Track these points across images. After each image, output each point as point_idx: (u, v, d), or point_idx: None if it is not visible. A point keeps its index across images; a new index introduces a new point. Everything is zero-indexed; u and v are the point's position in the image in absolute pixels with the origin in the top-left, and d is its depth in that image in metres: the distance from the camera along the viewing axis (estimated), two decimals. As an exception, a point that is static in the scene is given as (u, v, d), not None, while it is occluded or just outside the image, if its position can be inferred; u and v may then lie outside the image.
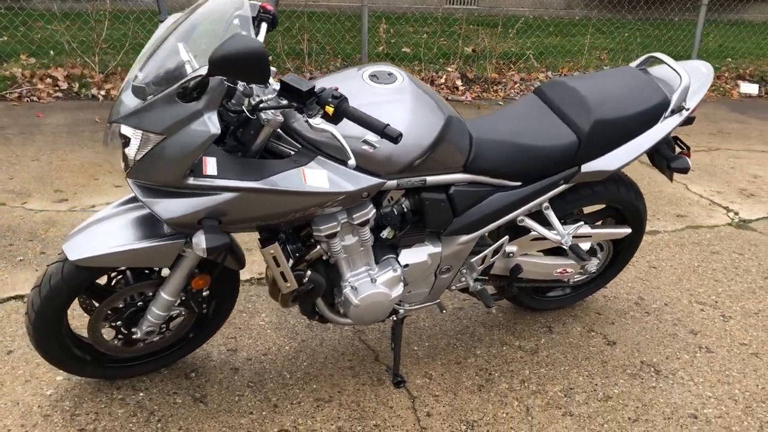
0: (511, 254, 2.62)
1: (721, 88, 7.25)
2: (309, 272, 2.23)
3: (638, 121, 2.47)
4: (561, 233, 2.54)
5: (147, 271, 2.26)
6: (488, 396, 2.51)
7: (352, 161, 1.81)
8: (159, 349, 2.45)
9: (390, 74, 2.17)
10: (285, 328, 2.84)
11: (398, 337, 2.55)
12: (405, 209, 2.26)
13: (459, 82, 6.42)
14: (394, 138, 1.77)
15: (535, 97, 2.61)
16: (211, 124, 1.80)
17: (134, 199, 2.17)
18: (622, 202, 2.75)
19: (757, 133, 6.08)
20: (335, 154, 2.01)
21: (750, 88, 7.14)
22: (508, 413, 2.44)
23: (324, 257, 2.28)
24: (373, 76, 2.14)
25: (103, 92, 5.76)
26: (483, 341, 2.84)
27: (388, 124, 1.78)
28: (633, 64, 2.76)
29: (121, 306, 2.25)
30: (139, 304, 2.26)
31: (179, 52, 1.88)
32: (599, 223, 2.85)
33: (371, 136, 2.02)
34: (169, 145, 1.81)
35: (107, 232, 2.08)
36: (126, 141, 1.90)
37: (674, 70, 2.56)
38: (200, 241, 1.86)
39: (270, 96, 1.82)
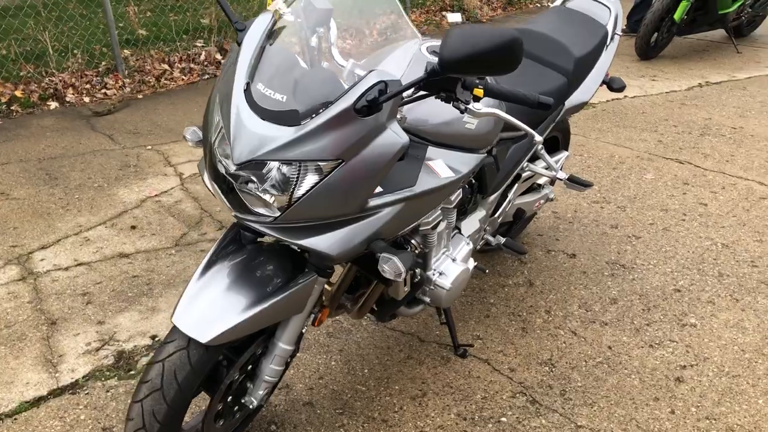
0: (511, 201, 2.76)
1: (432, 20, 7.98)
2: (418, 270, 2.11)
3: (596, 53, 2.75)
4: (555, 168, 2.74)
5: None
6: (537, 334, 2.67)
7: (538, 137, 1.75)
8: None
9: None
10: (310, 346, 2.61)
11: (448, 310, 2.54)
12: (472, 179, 2.24)
13: (219, 56, 6.08)
14: (549, 106, 1.76)
15: None
16: (399, 134, 1.59)
17: (217, 256, 1.80)
18: (563, 130, 3.04)
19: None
20: (437, 140, 1.91)
21: (454, 17, 7.99)
22: (564, 342, 2.63)
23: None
24: (433, 52, 2.04)
25: None
26: (485, 291, 2.95)
27: (538, 95, 1.76)
28: (556, 3, 3.02)
29: (235, 378, 1.88)
30: (249, 368, 1.91)
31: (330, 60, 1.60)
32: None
33: (467, 116, 1.96)
34: (350, 170, 1.55)
35: (221, 300, 1.70)
36: (241, 181, 1.58)
37: (600, 3, 2.88)
38: (395, 265, 1.65)
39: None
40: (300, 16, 1.77)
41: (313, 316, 2.02)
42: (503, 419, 2.27)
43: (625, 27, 6.82)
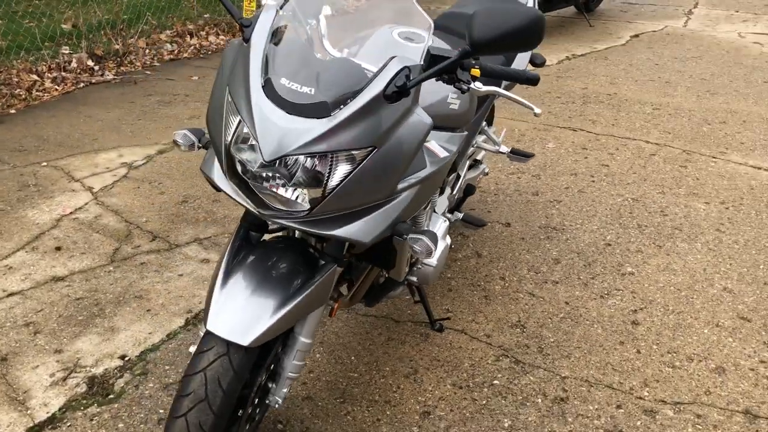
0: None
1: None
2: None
3: None
4: (498, 142, 2.89)
5: None
6: (500, 300, 2.82)
7: (537, 110, 1.85)
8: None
9: (416, 34, 2.15)
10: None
11: (421, 288, 2.62)
12: None
13: (91, 62, 5.72)
14: (537, 80, 1.88)
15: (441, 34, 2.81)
16: (423, 116, 1.63)
17: (233, 262, 1.76)
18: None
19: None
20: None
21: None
22: (526, 304, 2.80)
23: None
24: (406, 38, 2.10)
25: None
26: (440, 266, 3.06)
27: (525, 70, 1.87)
28: None
29: (263, 379, 1.85)
30: (271, 367, 1.89)
31: (352, 47, 1.60)
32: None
33: (452, 96, 2.05)
34: (382, 156, 1.58)
35: (252, 303, 1.66)
36: (267, 179, 1.57)
37: None
38: (426, 244, 1.70)
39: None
40: (297, 9, 1.76)
41: (329, 307, 2.02)
42: (495, 382, 2.39)
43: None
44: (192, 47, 6.48)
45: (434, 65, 1.63)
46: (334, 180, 1.56)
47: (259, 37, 1.63)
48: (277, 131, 1.53)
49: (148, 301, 2.80)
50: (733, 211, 3.51)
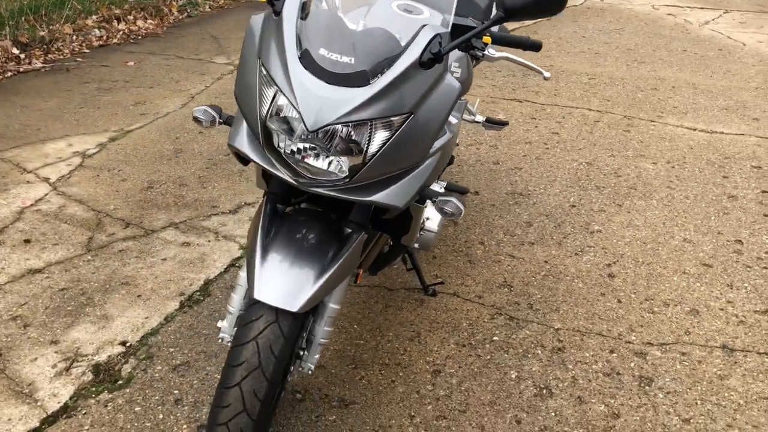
0: None
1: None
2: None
3: None
4: (473, 112, 3.00)
5: None
6: (483, 263, 2.95)
7: (546, 74, 1.95)
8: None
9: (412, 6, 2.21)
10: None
11: (413, 255, 2.71)
12: None
13: (16, 50, 5.44)
14: (539, 46, 1.99)
15: None
16: (453, 81, 1.71)
17: (267, 236, 1.78)
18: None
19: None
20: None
21: None
22: (509, 265, 2.94)
23: None
24: (405, 10, 2.16)
25: None
26: (420, 235, 3.16)
27: (528, 37, 1.98)
28: None
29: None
30: (304, 334, 1.93)
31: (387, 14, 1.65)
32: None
33: (455, 65, 2.13)
34: (418, 121, 1.65)
35: (294, 272, 1.70)
36: (309, 149, 1.62)
37: None
38: (455, 204, 1.78)
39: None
40: None
41: (354, 274, 2.08)
42: (495, 338, 2.52)
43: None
44: (121, 32, 6.27)
45: (456, 33, 1.70)
46: (374, 147, 1.62)
47: (291, 10, 1.66)
48: (319, 101, 1.57)
49: (136, 287, 2.76)
50: (678, 169, 3.77)
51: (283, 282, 1.68)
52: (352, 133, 1.60)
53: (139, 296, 2.71)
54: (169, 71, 5.26)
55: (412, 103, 1.62)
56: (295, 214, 1.88)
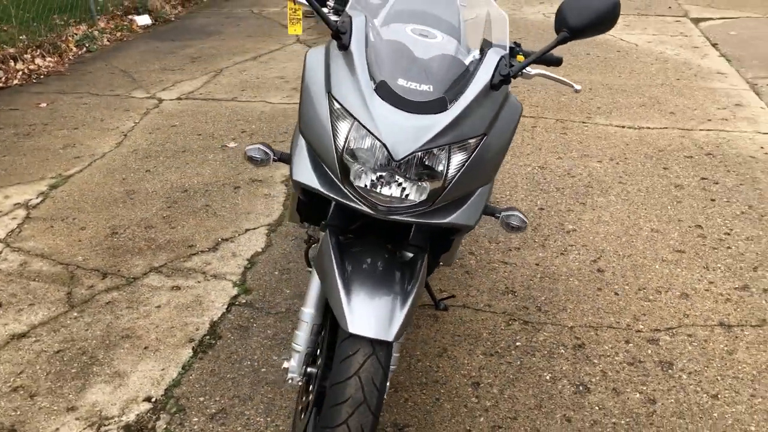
0: None
1: (122, 25, 7.48)
2: None
3: None
4: None
5: None
6: (481, 273, 3.03)
7: (578, 87, 2.04)
8: None
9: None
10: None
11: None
12: None
13: None
14: (560, 62, 2.10)
15: None
16: (516, 100, 1.76)
17: (343, 270, 1.76)
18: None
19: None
20: None
21: (143, 20, 7.62)
22: (505, 271, 3.04)
23: None
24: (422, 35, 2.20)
25: None
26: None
27: (551, 53, 2.06)
28: None
29: None
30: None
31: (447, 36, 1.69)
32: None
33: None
34: (490, 141, 1.70)
35: (378, 302, 1.69)
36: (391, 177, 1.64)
37: None
38: (520, 217, 1.84)
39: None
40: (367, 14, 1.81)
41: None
42: (518, 344, 2.60)
43: None
44: (21, 72, 5.88)
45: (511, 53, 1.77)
46: (452, 170, 1.65)
47: (359, 42, 1.67)
48: (402, 131, 1.58)
49: (139, 339, 2.62)
50: (623, 165, 4.04)
51: (374, 313, 1.67)
52: (431, 158, 1.62)
53: (146, 348, 2.57)
54: (89, 110, 5.00)
55: (485, 125, 1.67)
56: (353, 243, 1.88)
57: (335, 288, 1.71)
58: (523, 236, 3.30)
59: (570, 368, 2.47)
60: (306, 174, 1.77)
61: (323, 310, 1.91)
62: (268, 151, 1.87)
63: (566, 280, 2.97)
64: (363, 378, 1.64)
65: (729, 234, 3.29)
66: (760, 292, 2.87)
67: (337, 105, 1.65)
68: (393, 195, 1.65)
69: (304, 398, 1.97)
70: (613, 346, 2.58)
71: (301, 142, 1.81)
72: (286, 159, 1.88)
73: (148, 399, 2.33)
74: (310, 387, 1.91)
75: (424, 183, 1.65)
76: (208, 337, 2.63)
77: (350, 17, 1.73)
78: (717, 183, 3.78)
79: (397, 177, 1.62)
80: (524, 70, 1.90)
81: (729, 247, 3.19)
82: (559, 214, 3.49)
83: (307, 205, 2.04)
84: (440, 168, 1.63)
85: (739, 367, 2.46)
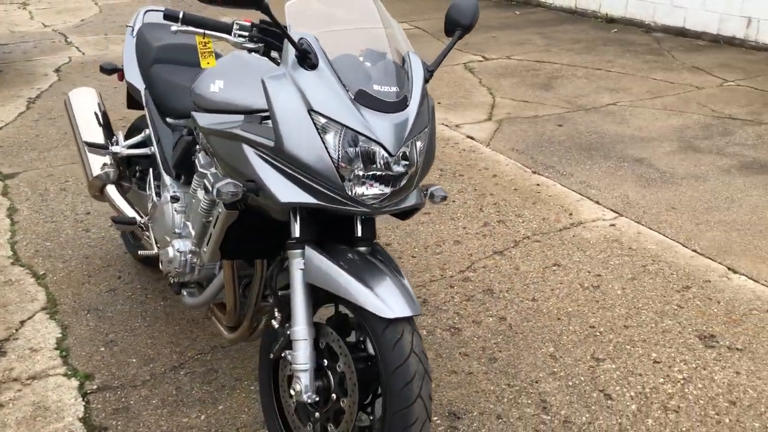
0: None
1: None
2: None
3: None
4: None
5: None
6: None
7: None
8: None
9: None
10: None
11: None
12: None
13: None
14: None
15: None
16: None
17: (340, 262, 1.90)
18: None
19: None
20: None
21: None
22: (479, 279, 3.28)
23: None
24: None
25: None
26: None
27: None
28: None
29: None
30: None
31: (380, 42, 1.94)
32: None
33: None
34: (432, 128, 2.02)
35: (387, 283, 1.88)
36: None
37: None
38: (442, 191, 2.19)
39: None
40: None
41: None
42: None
43: None
44: None
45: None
46: (419, 156, 1.95)
47: (325, 60, 1.82)
48: (390, 129, 1.84)
49: None
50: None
51: (398, 295, 1.86)
52: (409, 149, 1.89)
53: None
54: None
55: (430, 113, 2.01)
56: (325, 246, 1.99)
57: (353, 286, 1.83)
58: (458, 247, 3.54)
59: (434, 320, 2.90)
60: (293, 193, 1.85)
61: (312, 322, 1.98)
62: (239, 184, 1.88)
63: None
64: (417, 352, 1.83)
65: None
66: (495, 223, 3.70)
67: (323, 120, 1.78)
68: (384, 191, 1.86)
69: (318, 414, 2.00)
70: (446, 293, 3.09)
71: (265, 168, 1.87)
72: (253, 189, 1.90)
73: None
74: (332, 397, 1.96)
75: (409, 171, 1.89)
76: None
77: (306, 39, 1.86)
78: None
79: (394, 167, 1.83)
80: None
81: (453, 201, 3.96)
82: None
83: (235, 239, 2.07)
84: (414, 157, 1.90)
85: (526, 274, 3.22)
